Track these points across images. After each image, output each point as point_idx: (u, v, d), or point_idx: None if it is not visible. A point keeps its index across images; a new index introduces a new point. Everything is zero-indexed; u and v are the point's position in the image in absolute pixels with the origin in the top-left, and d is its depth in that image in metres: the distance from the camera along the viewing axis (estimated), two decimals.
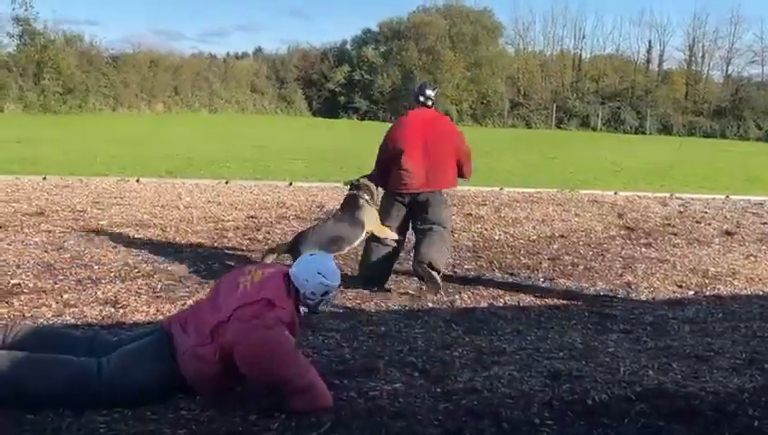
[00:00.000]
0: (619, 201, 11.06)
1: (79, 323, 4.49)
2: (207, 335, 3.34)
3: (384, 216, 5.87)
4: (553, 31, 61.39)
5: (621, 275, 6.73)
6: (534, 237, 7.97)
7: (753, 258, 7.79)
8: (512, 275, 6.57)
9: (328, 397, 3.37)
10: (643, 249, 7.97)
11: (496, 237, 8.18)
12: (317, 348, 4.18)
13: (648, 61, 63.03)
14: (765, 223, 10.00)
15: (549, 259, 7.20)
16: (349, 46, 55.45)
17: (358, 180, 5.97)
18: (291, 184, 11.21)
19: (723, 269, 7.17)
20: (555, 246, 7.75)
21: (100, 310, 4.85)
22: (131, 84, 40.06)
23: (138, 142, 18.98)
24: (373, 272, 5.85)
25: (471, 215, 8.88)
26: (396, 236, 5.85)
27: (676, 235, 8.89)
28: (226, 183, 10.80)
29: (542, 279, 6.47)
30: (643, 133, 51.55)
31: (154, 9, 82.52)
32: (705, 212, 10.73)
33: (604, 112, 54.11)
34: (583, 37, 60.22)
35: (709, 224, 9.77)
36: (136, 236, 7.14)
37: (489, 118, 53.65)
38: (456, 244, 7.57)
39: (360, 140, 25.10)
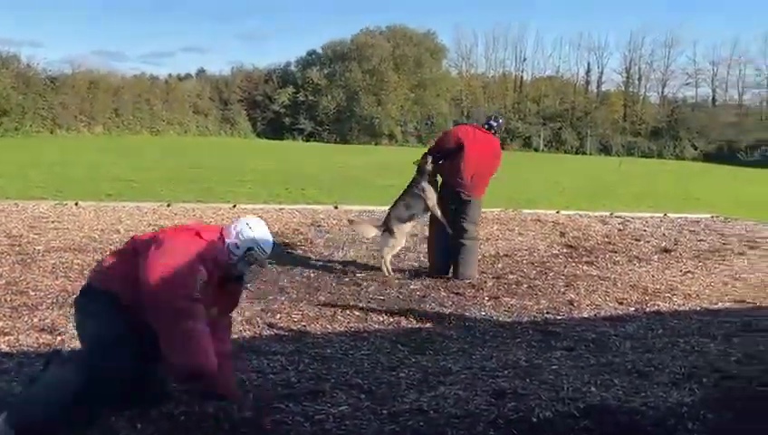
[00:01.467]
0: (562, 220, 11.25)
1: (14, 351, 4.35)
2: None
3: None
4: (495, 53, 63.52)
5: (564, 293, 6.81)
6: (479, 257, 7.90)
7: (690, 275, 7.99)
8: (457, 294, 6.59)
9: (209, 360, 3.37)
10: (585, 267, 8.09)
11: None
12: (262, 371, 4.13)
13: (588, 82, 63.62)
14: (701, 240, 10.30)
15: (493, 278, 7.26)
16: (293, 68, 55.87)
17: (423, 162, 7.50)
18: (234, 206, 11.08)
19: (662, 286, 7.35)
20: (500, 265, 7.82)
21: (37, 337, 4.71)
22: (70, 106, 39.19)
23: (76, 165, 18.56)
24: (440, 263, 7.30)
25: (416, 235, 8.88)
26: (441, 218, 7.42)
27: (616, 252, 9.07)
28: (168, 206, 10.61)
29: (486, 298, 6.50)
30: (584, 153, 52.83)
31: (98, 30, 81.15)
32: (644, 230, 10.97)
33: (545, 133, 55.36)
34: (524, 59, 61.84)
35: (648, 241, 10.00)
36: (74, 260, 6.96)
37: (434, 138, 56.52)
38: (403, 263, 7.69)
39: (304, 161, 24.93)
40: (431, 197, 7.21)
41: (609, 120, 57.47)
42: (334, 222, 9.99)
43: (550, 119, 57.15)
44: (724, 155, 50.29)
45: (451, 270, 7.19)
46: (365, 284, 6.73)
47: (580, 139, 55.27)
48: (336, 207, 11.34)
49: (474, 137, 7.21)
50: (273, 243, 3.67)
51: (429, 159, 7.29)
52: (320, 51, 56.26)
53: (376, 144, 50.61)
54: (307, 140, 50.69)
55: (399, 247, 7.30)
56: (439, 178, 7.33)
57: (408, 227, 7.35)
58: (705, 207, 14.93)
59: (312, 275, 7.07)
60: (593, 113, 57.87)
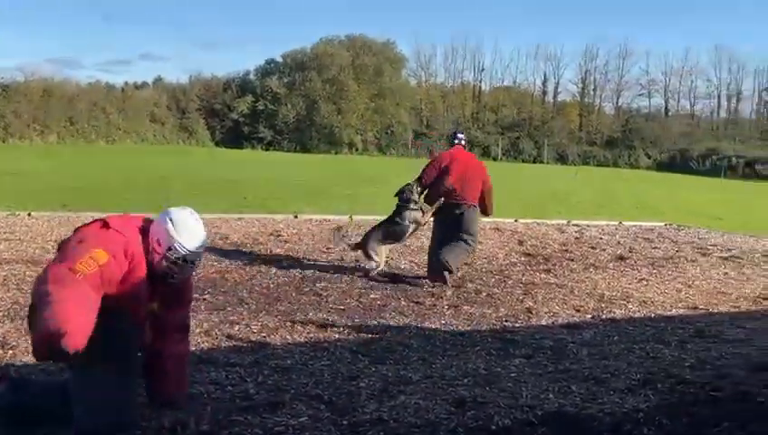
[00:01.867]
0: (520, 228, 11.35)
1: None
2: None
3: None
4: (454, 63, 64.27)
5: (522, 301, 6.86)
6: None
7: (644, 282, 8.12)
8: (417, 303, 6.57)
9: (64, 329, 2.82)
10: (542, 275, 8.15)
11: (402, 266, 8.22)
12: (220, 384, 4.08)
13: (544, 93, 64.30)
14: (655, 248, 10.46)
15: (453, 287, 7.22)
16: (252, 77, 55.53)
17: (404, 189, 7.68)
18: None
19: (617, 293, 7.45)
20: (459, 274, 7.73)
21: None
22: (23, 114, 38.32)
23: (29, 174, 18.16)
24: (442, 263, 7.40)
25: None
26: (425, 219, 7.79)
27: (573, 260, 9.16)
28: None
29: (446, 307, 6.49)
30: (541, 162, 53.33)
31: (53, 38, 79.72)
32: (600, 238, 11.10)
33: (503, 143, 55.72)
34: (482, 69, 62.74)
35: (604, 249, 10.11)
36: (27, 273, 6.81)
37: (394, 147, 54.23)
38: (362, 273, 7.61)
39: (264, 170, 24.73)
40: (409, 222, 7.72)
41: (566, 130, 57.99)
42: (294, 231, 9.97)
43: (508, 128, 57.59)
44: (677, 164, 51.43)
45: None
46: (325, 294, 6.67)
47: (538, 148, 55.67)
48: (296, 217, 11.32)
49: (452, 155, 7.77)
50: (203, 240, 3.44)
51: (415, 186, 7.69)
52: (279, 59, 55.89)
53: (336, 153, 50.56)
54: (266, 149, 50.51)
55: (382, 265, 7.60)
56: (428, 208, 7.79)
57: (385, 248, 7.70)
58: (658, 216, 15.19)
59: (271, 285, 6.99)
60: (550, 123, 58.49)
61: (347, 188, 18.76)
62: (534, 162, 53.00)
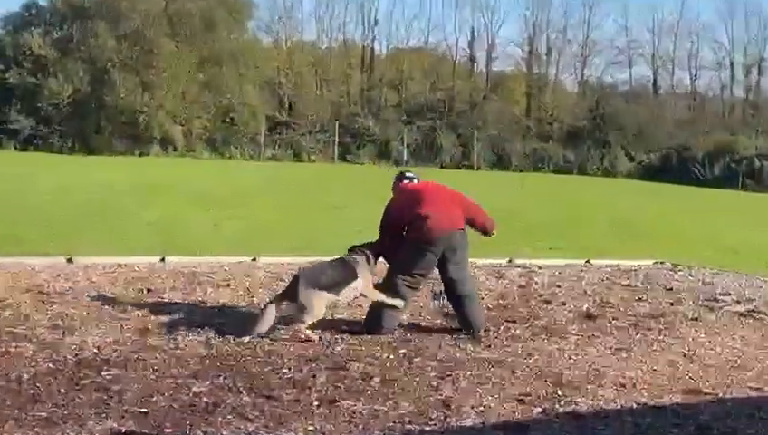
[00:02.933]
0: (435, 273, 8.89)
1: None
2: None
3: (412, 265, 6.90)
4: (330, 12, 47.30)
5: (437, 389, 5.56)
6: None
7: (623, 353, 6.77)
8: (269, 398, 5.14)
9: None
10: (469, 346, 6.72)
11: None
12: None
13: (472, 60, 47.67)
14: (640, 299, 8.99)
15: (327, 369, 5.89)
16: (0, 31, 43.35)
17: (354, 248, 7.10)
18: None
19: (582, 371, 6.13)
20: (339, 348, 6.41)
21: None
22: None
23: None
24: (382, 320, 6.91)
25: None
26: (392, 302, 6.77)
27: (515, 322, 7.64)
28: None
29: (316, 402, 5.20)
30: (468, 167, 40.57)
31: None
32: (557, 286, 9.46)
33: (410, 137, 41.72)
34: (375, 23, 47.71)
35: (563, 303, 8.51)
36: None
37: (236, 146, 39.96)
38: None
39: (16, 184, 20.43)
40: (366, 275, 6.90)
41: (506, 117, 44.00)
42: (66, 285, 8.14)
43: (417, 115, 43.16)
44: (673, 168, 40.74)
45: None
46: (117, 388, 5.26)
47: (463, 145, 42.34)
48: (70, 261, 9.39)
49: (418, 187, 7.43)
50: None
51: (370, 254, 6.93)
52: (43, 3, 42.56)
53: (141, 154, 39.01)
54: (24, 148, 37.80)
55: (318, 318, 6.76)
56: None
57: (324, 297, 6.68)
58: (645, 249, 13.20)
59: (26, 375, 5.42)
60: (482, 106, 43.91)
61: (160, 209, 16.21)
62: (459, 167, 40.26)
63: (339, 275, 6.90)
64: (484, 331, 7.17)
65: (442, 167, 38.18)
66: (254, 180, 26.19)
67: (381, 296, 6.97)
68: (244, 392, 5.37)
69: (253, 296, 8.26)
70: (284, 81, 41.02)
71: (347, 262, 7.02)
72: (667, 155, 40.45)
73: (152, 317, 7.03)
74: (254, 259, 10.12)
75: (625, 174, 39.36)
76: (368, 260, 7.08)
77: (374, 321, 7.02)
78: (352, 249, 7.19)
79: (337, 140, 39.53)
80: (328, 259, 7.33)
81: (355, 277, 6.92)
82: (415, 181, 7.75)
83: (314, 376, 5.70)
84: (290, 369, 5.84)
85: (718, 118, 42.73)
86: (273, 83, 41.11)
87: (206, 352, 6.12)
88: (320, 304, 6.80)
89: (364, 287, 6.98)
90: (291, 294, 6.87)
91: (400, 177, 7.80)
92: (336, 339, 6.68)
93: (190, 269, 9.32)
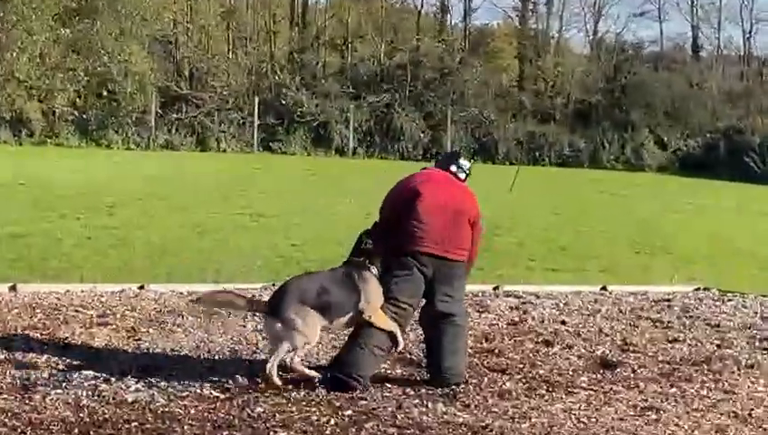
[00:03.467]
0: None
1: None
2: None
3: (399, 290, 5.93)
4: None
5: None
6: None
7: (653, 414, 5.46)
8: None
9: None
10: (440, 405, 5.42)
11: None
12: None
13: (444, 10, 39.60)
14: (675, 340, 7.40)
15: None
16: None
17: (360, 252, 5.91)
18: None
19: None
20: (259, 410, 5.27)
21: None
22: None
23: None
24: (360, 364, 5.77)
25: None
26: (399, 338, 5.73)
27: (506, 371, 6.33)
28: None
29: None
30: (431, 157, 33.12)
31: None
32: (562, 321, 8.05)
33: (360, 116, 34.52)
34: None
35: (569, 346, 7.07)
36: None
37: (117, 130, 32.72)
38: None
39: None
40: (373, 294, 5.70)
41: (492, 89, 36.52)
42: None
43: (367, 87, 35.89)
44: (720, 159, 34.23)
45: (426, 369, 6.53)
46: None
47: (432, 128, 35.07)
48: None
49: (429, 177, 6.24)
50: None
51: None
52: None
53: None
54: None
55: (310, 346, 5.82)
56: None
57: (315, 319, 5.60)
58: (682, 271, 11.62)
59: None
60: (457, 75, 36.22)
61: (3, 216, 13.95)
62: (425, 156, 32.70)
63: (339, 292, 5.72)
64: (463, 383, 6.03)
65: (403, 158, 31.61)
66: (142, 178, 21.47)
67: (393, 326, 5.81)
68: None
69: (139, 338, 6.84)
70: (183, 39, 33.17)
71: (350, 276, 5.83)
72: (713, 142, 33.41)
73: None
74: (142, 287, 8.73)
75: (655, 167, 32.70)
76: (377, 275, 5.87)
77: (351, 365, 5.67)
78: (359, 253, 5.96)
79: (257, 121, 31.38)
80: (325, 269, 6.06)
81: (359, 297, 5.75)
82: (463, 177, 6.23)
83: None
84: None
85: None
86: (167, 43, 33.14)
87: (74, 416, 5.02)
88: (314, 326, 5.66)
89: (372, 311, 5.70)
90: (271, 305, 5.73)
91: (451, 157, 6.50)
92: (255, 396, 5.47)
93: (52, 301, 7.99)
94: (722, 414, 5.63)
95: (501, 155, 32.51)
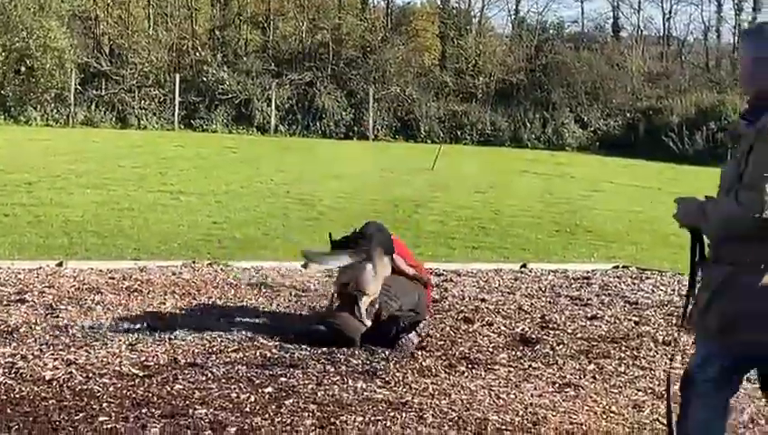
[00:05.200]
0: (301, 281, 8.54)
1: None
2: None
3: None
4: None
5: None
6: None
7: (572, 390, 5.52)
8: None
9: None
10: (360, 383, 5.46)
11: None
12: None
13: None
14: (594, 317, 7.44)
15: (162, 417, 4.64)
16: None
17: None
18: None
19: (516, 416, 4.94)
20: (178, 387, 5.15)
21: None
22: None
23: None
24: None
25: None
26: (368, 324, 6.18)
27: (425, 348, 6.35)
28: None
29: None
30: (361, 137, 33.67)
31: None
32: (482, 299, 7.92)
33: (282, 94, 33.95)
34: None
35: (489, 323, 7.00)
36: None
37: (36, 106, 31.72)
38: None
39: None
40: (381, 265, 6.19)
41: (415, 68, 36.57)
42: None
43: (289, 64, 35.62)
44: (639, 138, 34.33)
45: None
46: None
47: (354, 107, 34.60)
48: None
49: None
50: None
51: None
52: None
53: None
54: None
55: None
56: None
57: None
58: (601, 249, 11.58)
59: None
60: (380, 54, 35.77)
61: None
62: (347, 134, 33.39)
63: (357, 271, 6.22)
64: (383, 361, 6.00)
65: (325, 136, 31.91)
66: (60, 155, 21.16)
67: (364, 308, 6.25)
68: None
69: (58, 315, 6.66)
70: (103, 15, 32.99)
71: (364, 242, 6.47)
72: (632, 121, 33.53)
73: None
74: (60, 264, 8.54)
75: (575, 146, 32.71)
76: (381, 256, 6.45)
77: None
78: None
79: (178, 98, 31.23)
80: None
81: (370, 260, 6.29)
82: None
83: (144, 428, 4.58)
84: (110, 417, 4.68)
85: (701, 71, 35.68)
86: (86, 19, 33.08)
87: None
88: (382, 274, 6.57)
89: (371, 281, 6.15)
90: (363, 250, 6.25)
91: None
92: (175, 373, 5.44)
93: None
94: (639, 390, 5.73)
95: (423, 134, 32.65)
